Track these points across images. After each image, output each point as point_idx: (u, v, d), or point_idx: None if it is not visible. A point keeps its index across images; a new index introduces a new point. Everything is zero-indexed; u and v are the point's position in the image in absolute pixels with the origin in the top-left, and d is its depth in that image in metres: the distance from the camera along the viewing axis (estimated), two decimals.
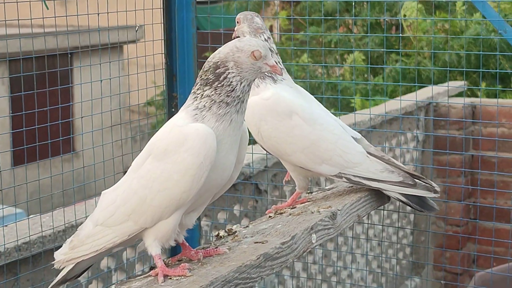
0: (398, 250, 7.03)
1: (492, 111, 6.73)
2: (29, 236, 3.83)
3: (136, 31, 3.32)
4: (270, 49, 2.78)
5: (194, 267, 2.25)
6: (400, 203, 2.87)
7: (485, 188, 6.41)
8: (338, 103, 6.05)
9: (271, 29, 14.03)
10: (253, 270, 2.25)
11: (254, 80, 2.27)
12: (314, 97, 2.94)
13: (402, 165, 2.82)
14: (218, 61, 2.23)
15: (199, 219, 3.90)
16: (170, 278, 2.17)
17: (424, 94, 7.12)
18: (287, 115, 2.72)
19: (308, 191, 3.01)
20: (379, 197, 2.83)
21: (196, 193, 2.19)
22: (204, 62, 2.58)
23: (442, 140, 6.94)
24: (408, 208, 6.99)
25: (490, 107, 6.79)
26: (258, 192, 5.36)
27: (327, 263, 6.08)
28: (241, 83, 2.22)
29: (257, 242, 2.39)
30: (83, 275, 2.56)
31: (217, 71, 2.23)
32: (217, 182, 2.26)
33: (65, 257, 2.31)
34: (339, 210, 2.63)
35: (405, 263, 7.18)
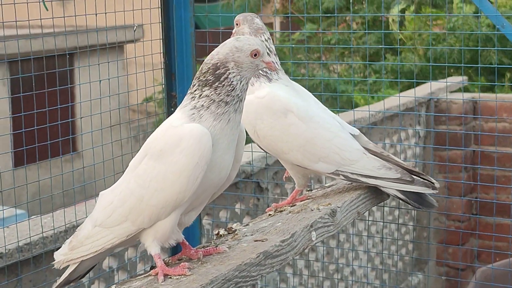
0: (401, 247, 7.03)
1: (493, 106, 6.73)
2: (30, 237, 3.84)
3: (134, 31, 3.32)
4: (269, 49, 2.79)
5: (194, 266, 2.25)
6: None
7: (486, 183, 6.41)
8: (337, 101, 6.03)
9: (270, 27, 14.02)
10: (253, 268, 2.24)
11: (251, 77, 2.27)
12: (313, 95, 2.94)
13: (401, 162, 2.81)
14: (218, 62, 2.23)
15: (199, 217, 3.90)
16: (170, 277, 2.17)
17: (424, 90, 7.12)
18: (282, 113, 2.72)
19: (308, 189, 3.01)
20: (378, 193, 2.82)
21: (192, 193, 2.18)
22: (203, 61, 2.60)
23: (443, 136, 6.93)
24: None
25: (491, 102, 6.79)
26: (260, 190, 5.36)
27: (329, 260, 6.08)
28: (240, 82, 2.23)
29: (257, 240, 2.39)
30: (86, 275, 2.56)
31: (217, 72, 2.22)
32: (214, 181, 2.26)
33: (64, 257, 2.32)
34: (338, 207, 2.63)
35: (408, 259, 7.19)
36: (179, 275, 2.17)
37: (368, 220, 6.43)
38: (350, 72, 11.42)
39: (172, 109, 3.62)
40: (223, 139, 2.22)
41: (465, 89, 7.94)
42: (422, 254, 7.29)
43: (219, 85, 2.21)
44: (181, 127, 2.20)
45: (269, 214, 2.74)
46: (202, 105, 2.21)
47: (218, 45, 2.30)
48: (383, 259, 6.73)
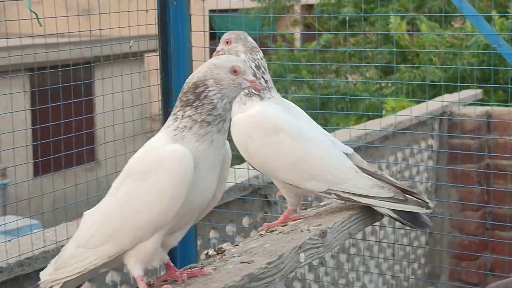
0: (413, 261, 6.97)
1: (507, 119, 6.66)
2: (32, 251, 3.84)
3: (130, 47, 3.31)
4: (264, 68, 2.77)
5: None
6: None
7: (500, 197, 6.34)
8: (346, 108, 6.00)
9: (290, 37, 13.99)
10: None
11: (235, 97, 2.24)
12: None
13: (395, 181, 2.77)
14: (197, 81, 2.22)
15: (195, 236, 3.87)
16: None
17: (438, 103, 7.06)
18: (273, 131, 2.69)
19: (303, 207, 2.98)
20: (371, 214, 2.78)
21: (175, 214, 2.16)
22: None
23: (457, 149, 6.87)
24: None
25: (505, 115, 6.73)
26: (267, 205, 5.33)
27: (339, 274, 6.03)
28: (222, 100, 2.20)
29: (243, 262, 2.36)
30: None
31: (197, 90, 2.21)
32: (197, 203, 2.24)
33: (49, 277, 2.30)
34: (329, 228, 2.59)
35: (420, 273, 7.12)
36: None
37: (380, 234, 6.38)
38: (366, 84, 11.39)
39: None
40: (207, 160, 2.20)
41: (480, 100, 7.86)
42: (434, 269, 7.21)
43: (199, 104, 2.19)
44: (163, 148, 2.18)
45: (260, 234, 2.72)
46: (185, 126, 2.19)
47: None
48: (395, 273, 6.67)
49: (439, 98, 7.27)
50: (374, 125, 6.21)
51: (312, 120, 2.85)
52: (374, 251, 6.37)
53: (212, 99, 2.19)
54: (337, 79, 12.04)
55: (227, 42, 2.80)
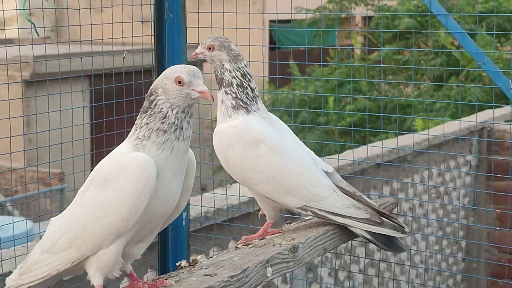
0: (447, 277, 6.85)
1: None
2: None
3: (124, 58, 3.35)
4: (250, 76, 2.75)
5: None
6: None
7: None
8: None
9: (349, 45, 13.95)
10: None
11: (188, 107, 2.25)
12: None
13: (373, 203, 2.75)
14: (152, 88, 2.28)
15: (188, 247, 3.88)
16: None
17: (479, 117, 6.93)
18: (254, 143, 2.69)
19: (288, 221, 2.97)
20: (349, 231, 2.76)
21: (136, 221, 2.19)
22: None
23: (496, 165, 6.73)
24: (460, 233, 6.81)
25: None
26: (290, 212, 5.30)
27: None
28: (172, 109, 2.23)
29: (206, 275, 2.37)
30: None
31: (150, 98, 2.26)
32: (160, 211, 2.26)
33: (14, 283, 2.35)
34: (301, 243, 2.58)
35: None
36: None
37: (413, 250, 6.29)
38: (419, 94, 11.30)
39: None
40: (168, 168, 2.23)
41: None
42: (471, 287, 7.07)
43: (152, 113, 2.24)
44: (127, 155, 2.23)
45: (236, 247, 2.72)
46: (144, 135, 2.24)
47: None
48: None
49: (480, 114, 7.15)
50: (407, 140, 6.13)
51: (295, 136, 2.84)
52: (406, 267, 6.28)
53: (162, 108, 2.23)
54: (393, 90, 11.98)
55: (210, 48, 2.77)
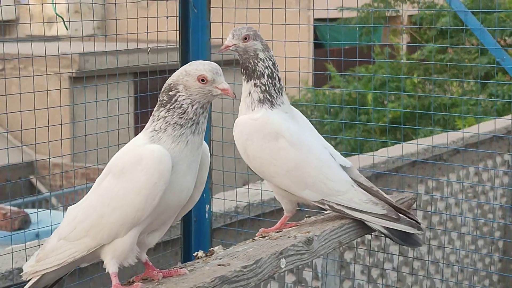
0: (483, 278, 6.80)
1: None
2: None
3: (148, 52, 3.39)
4: (276, 64, 2.77)
5: (149, 286, 2.30)
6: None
7: None
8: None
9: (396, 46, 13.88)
10: None
11: (208, 102, 2.29)
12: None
13: (390, 198, 2.78)
14: (171, 83, 2.30)
15: (211, 240, 3.93)
16: None
17: None
18: (273, 136, 2.72)
19: (307, 215, 3.00)
20: (366, 225, 2.78)
21: (151, 212, 2.24)
22: None
23: None
24: (497, 233, 6.75)
25: None
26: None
27: (401, 287, 5.96)
28: (192, 105, 2.26)
29: (220, 265, 2.41)
30: None
31: (170, 93, 2.29)
32: (174, 203, 2.31)
33: (31, 269, 2.41)
34: (316, 235, 2.61)
35: None
36: None
37: (448, 248, 6.26)
38: (463, 93, 11.19)
39: None
40: (183, 161, 2.27)
41: None
42: (508, 287, 7.01)
43: (171, 107, 2.28)
44: (143, 147, 2.27)
45: (253, 239, 2.75)
46: (160, 128, 2.28)
47: None
48: None
49: None
50: (443, 139, 6.10)
51: (315, 130, 2.86)
52: (441, 265, 6.25)
53: (182, 104, 2.27)
54: (437, 89, 11.90)
55: (246, 39, 2.76)
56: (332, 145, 2.89)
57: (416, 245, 2.77)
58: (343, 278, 5.51)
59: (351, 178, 2.77)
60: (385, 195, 2.77)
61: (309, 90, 12.34)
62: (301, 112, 2.90)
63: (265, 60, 2.76)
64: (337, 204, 2.72)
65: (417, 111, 8.27)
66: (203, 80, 2.26)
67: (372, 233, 2.99)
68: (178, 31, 3.60)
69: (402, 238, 2.72)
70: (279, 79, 2.79)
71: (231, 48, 2.78)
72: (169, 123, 2.27)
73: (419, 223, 2.71)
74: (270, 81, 2.74)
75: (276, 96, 2.77)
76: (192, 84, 2.27)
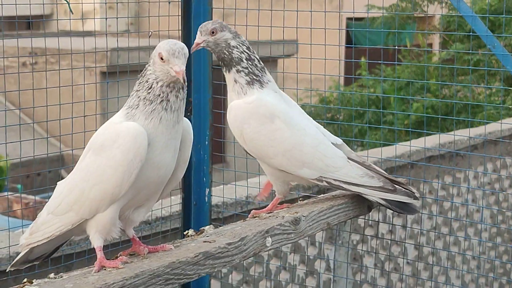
0: (502, 275, 6.75)
1: None
2: None
3: (149, 36, 3.43)
4: (250, 50, 2.81)
5: (133, 260, 2.34)
6: None
7: None
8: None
9: (430, 46, 13.82)
10: (189, 267, 2.31)
11: (172, 83, 2.31)
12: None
13: (383, 171, 2.83)
14: (150, 57, 2.35)
15: (210, 223, 3.97)
16: (105, 269, 2.28)
17: None
18: (269, 118, 2.76)
19: (301, 198, 3.04)
20: (355, 206, 2.82)
21: (128, 188, 2.28)
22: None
23: None
24: None
25: None
26: None
27: (415, 282, 5.94)
28: (157, 82, 2.31)
29: (205, 242, 2.45)
30: None
31: (146, 66, 2.36)
32: (154, 179, 2.35)
33: (25, 241, 2.48)
34: (304, 216, 2.64)
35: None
36: (113, 267, 2.27)
37: (463, 242, 6.24)
38: (489, 95, 11.13)
39: (189, 114, 3.72)
40: (159, 137, 2.31)
41: None
42: None
43: (141, 81, 2.35)
44: (120, 124, 2.33)
45: (243, 219, 2.78)
46: (133, 103, 2.34)
47: None
48: (479, 286, 6.49)
49: None
50: (463, 134, 6.08)
51: (303, 110, 2.90)
52: (457, 261, 6.23)
53: (148, 78, 2.33)
54: (463, 90, 11.83)
55: (213, 32, 2.80)
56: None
57: (413, 212, 2.86)
58: (355, 270, 5.52)
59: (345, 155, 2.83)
60: (378, 168, 2.84)
61: (337, 87, 12.36)
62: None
63: (238, 46, 2.80)
64: (335, 180, 2.77)
65: (439, 115, 8.25)
66: (162, 58, 2.30)
67: (365, 218, 3.01)
68: (180, 16, 3.64)
69: (400, 207, 2.79)
70: (258, 60, 2.84)
71: (202, 45, 2.82)
72: (140, 98, 2.32)
73: (414, 193, 2.78)
74: (250, 63, 2.79)
75: (262, 75, 2.82)
76: (156, 61, 2.32)
